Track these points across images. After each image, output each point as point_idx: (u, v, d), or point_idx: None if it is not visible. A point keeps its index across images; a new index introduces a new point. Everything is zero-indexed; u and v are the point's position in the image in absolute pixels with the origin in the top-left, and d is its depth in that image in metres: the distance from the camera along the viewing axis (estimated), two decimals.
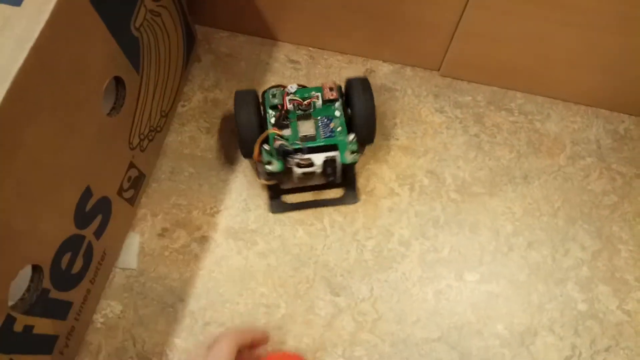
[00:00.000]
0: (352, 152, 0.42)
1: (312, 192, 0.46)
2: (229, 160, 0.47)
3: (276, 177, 0.43)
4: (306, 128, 0.42)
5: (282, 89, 0.44)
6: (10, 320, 0.30)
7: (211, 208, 0.45)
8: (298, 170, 0.41)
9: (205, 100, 0.50)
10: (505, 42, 0.45)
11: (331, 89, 0.43)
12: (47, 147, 0.30)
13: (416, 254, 0.44)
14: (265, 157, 0.41)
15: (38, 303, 0.33)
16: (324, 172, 0.42)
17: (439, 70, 0.50)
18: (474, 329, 0.41)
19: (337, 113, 0.43)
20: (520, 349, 0.41)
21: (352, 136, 0.42)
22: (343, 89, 0.45)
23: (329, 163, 0.42)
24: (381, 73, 0.50)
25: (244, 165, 0.47)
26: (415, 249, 0.44)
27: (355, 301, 0.42)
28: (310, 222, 0.45)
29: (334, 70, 0.51)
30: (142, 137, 0.42)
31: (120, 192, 0.40)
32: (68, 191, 0.33)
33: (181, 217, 0.45)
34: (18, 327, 0.31)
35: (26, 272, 0.32)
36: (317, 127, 0.43)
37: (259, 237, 0.44)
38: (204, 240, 0.44)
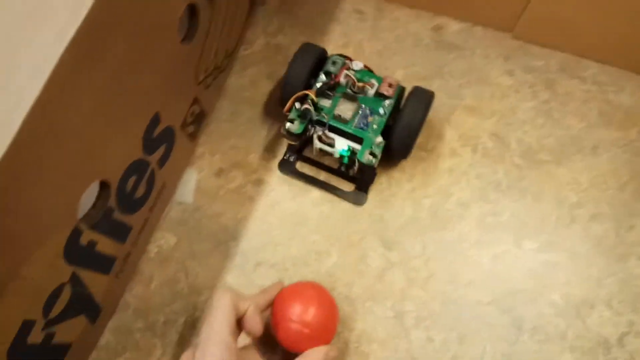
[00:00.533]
0: (371, 154, 0.40)
1: (325, 172, 0.44)
2: None
3: (293, 138, 0.41)
4: (345, 109, 0.41)
5: (346, 60, 0.43)
6: (77, 232, 0.31)
7: (268, 152, 0.45)
8: (317, 144, 0.41)
9: (267, 45, 0.49)
10: (587, 8, 0.43)
11: (390, 85, 0.41)
12: (126, 67, 0.29)
13: (474, 216, 0.42)
14: (292, 114, 0.40)
15: (103, 221, 0.33)
16: (341, 159, 0.41)
17: (511, 32, 0.48)
18: (529, 296, 0.40)
19: (382, 111, 0.41)
20: (575, 320, 0.39)
21: (380, 139, 0.40)
22: (407, 92, 0.42)
23: (349, 153, 0.41)
24: (450, 30, 0.49)
25: None
26: (473, 211, 0.43)
27: (408, 257, 0.41)
28: None
29: (401, 24, 0.49)
30: (207, 73, 0.41)
31: (183, 125, 0.40)
32: (140, 114, 0.33)
33: (238, 159, 0.45)
34: (83, 241, 0.32)
35: (93, 190, 0.33)
36: (355, 113, 0.41)
37: (315, 184, 0.44)
38: (259, 183, 0.44)
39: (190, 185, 0.43)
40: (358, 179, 0.43)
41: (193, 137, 0.43)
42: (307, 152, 0.45)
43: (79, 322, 0.35)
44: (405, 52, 0.48)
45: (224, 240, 0.42)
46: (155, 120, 0.35)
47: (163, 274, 0.42)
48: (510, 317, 0.39)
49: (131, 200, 0.36)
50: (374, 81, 0.42)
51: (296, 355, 0.34)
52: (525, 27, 0.47)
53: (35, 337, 0.31)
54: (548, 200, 0.43)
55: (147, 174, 0.36)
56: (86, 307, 0.35)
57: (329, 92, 0.41)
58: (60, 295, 0.31)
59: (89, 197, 0.33)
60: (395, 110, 0.42)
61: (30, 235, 0.27)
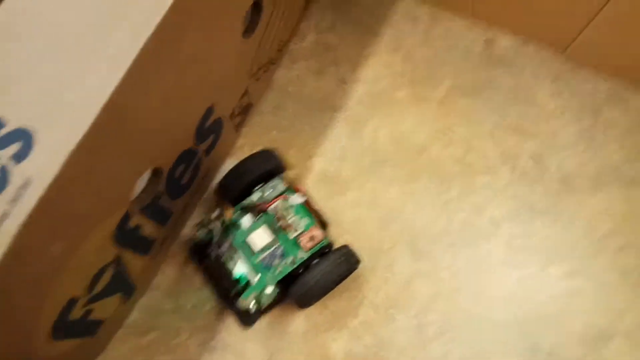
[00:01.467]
0: (256, 300, 0.37)
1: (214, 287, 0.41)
2: (332, 106, 0.47)
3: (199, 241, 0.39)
4: (259, 238, 0.37)
5: (292, 189, 0.39)
6: (127, 215, 0.32)
7: (308, 149, 0.45)
8: (219, 251, 0.37)
9: (317, 41, 0.49)
10: None
11: (312, 239, 0.37)
12: (192, 62, 0.30)
13: (505, 236, 0.43)
14: (204, 220, 0.38)
15: (150, 205, 0.34)
16: (231, 284, 0.37)
17: (564, 52, 0.48)
18: (550, 321, 0.41)
19: (292, 260, 0.37)
20: (592, 350, 0.40)
21: (270, 290, 0.37)
22: (332, 247, 0.39)
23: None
24: (502, 45, 0.48)
25: (347, 114, 0.46)
26: (504, 230, 0.43)
27: (436, 268, 0.42)
28: (405, 180, 0.44)
29: (453, 34, 0.49)
30: (260, 66, 0.41)
31: (232, 116, 0.40)
32: (197, 106, 0.34)
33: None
34: (132, 223, 0.33)
35: (145, 175, 0.34)
36: (267, 248, 0.37)
37: (351, 187, 0.44)
38: (297, 178, 0.45)
39: None
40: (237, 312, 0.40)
41: (238, 127, 0.43)
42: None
43: (115, 300, 0.36)
44: (455, 62, 0.47)
45: None
46: (209, 111, 0.35)
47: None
48: (529, 342, 0.40)
49: (177, 186, 0.36)
50: (300, 225, 0.38)
51: None
52: (579, 49, 0.47)
53: (76, 313, 0.32)
54: (579, 227, 0.43)
55: (195, 162, 0.37)
56: (123, 286, 0.36)
57: (253, 215, 0.38)
58: (104, 275, 0.33)
59: (141, 182, 0.33)
60: (311, 260, 0.38)
61: (92, 216, 0.28)
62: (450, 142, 0.45)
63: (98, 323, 0.36)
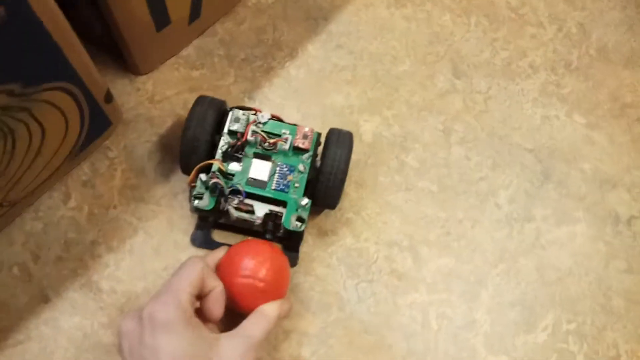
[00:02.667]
0: (299, 219, 0.35)
1: (245, 235, 0.39)
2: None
3: (204, 214, 0.37)
4: (259, 170, 0.36)
5: (252, 112, 0.37)
6: None
7: None
8: (234, 213, 0.35)
9: (76, 209, 0.38)
10: None
11: (305, 137, 0.36)
12: None
13: (540, 81, 0.46)
14: (198, 188, 0.35)
15: None
16: (263, 225, 0.36)
17: None
18: (564, 156, 0.44)
19: (302, 167, 0.36)
20: (597, 190, 0.43)
21: (305, 201, 0.35)
22: (322, 137, 0.38)
23: (271, 217, 0.36)
24: None
25: None
26: (541, 76, 0.46)
27: (471, 89, 0.45)
28: (458, 13, 0.47)
29: None
30: None
31: None
32: None
33: None
34: None
35: None
36: (272, 173, 0.36)
37: (410, 3, 0.47)
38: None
39: None
40: (284, 239, 0.38)
41: None
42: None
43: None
44: None
45: (315, 17, 0.45)
46: None
47: (255, 21, 0.45)
48: (542, 166, 0.43)
49: None
50: (286, 133, 0.36)
51: (245, 316, 0.31)
52: None
53: None
54: (606, 92, 0.46)
55: None
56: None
57: (237, 154, 0.36)
58: None
59: None
60: (315, 159, 0.37)
61: None
62: None
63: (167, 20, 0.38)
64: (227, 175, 0.36)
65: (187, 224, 0.39)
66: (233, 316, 0.31)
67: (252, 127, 0.36)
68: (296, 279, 0.38)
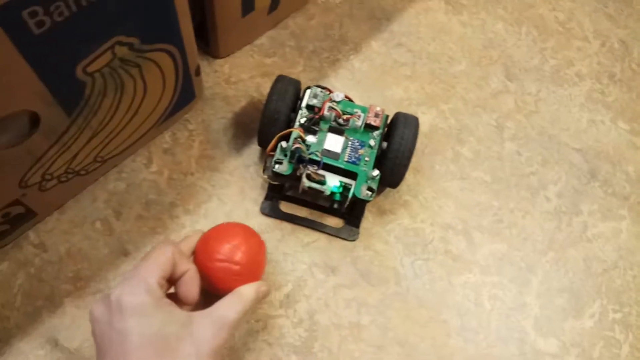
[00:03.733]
0: (369, 189, 0.38)
1: (311, 209, 0.42)
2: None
3: (280, 179, 0.39)
4: (333, 143, 0.38)
5: (327, 92, 0.40)
6: None
7: None
8: (306, 183, 0.37)
9: (157, 173, 0.41)
10: None
11: (377, 115, 0.39)
12: None
13: (586, 88, 0.49)
14: (278, 155, 0.37)
15: None
16: (331, 196, 0.38)
17: None
18: (609, 158, 0.46)
19: (372, 142, 0.39)
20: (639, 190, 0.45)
21: (376, 172, 0.38)
22: (389, 120, 0.41)
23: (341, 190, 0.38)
24: None
25: None
26: (587, 84, 0.49)
27: (522, 91, 0.48)
28: (510, 23, 0.51)
29: None
30: (48, 177, 0.35)
31: None
32: None
33: None
34: None
35: None
36: (345, 147, 0.38)
37: (466, 11, 0.51)
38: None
39: None
40: (346, 214, 0.41)
41: (5, 235, 0.37)
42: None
43: None
44: None
45: (379, 17, 0.49)
46: None
47: (323, 18, 0.48)
48: (588, 166, 0.45)
49: None
50: (359, 112, 0.39)
51: (221, 297, 0.31)
52: None
53: None
54: None
55: None
56: None
57: (313, 127, 0.38)
58: None
59: None
60: (382, 139, 0.40)
61: None
62: (556, 7, 0.52)
63: None
64: (305, 145, 0.38)
65: (257, 194, 0.41)
66: (212, 300, 0.31)
67: (328, 104, 0.39)
68: (356, 252, 0.40)
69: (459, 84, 0.47)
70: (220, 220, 0.39)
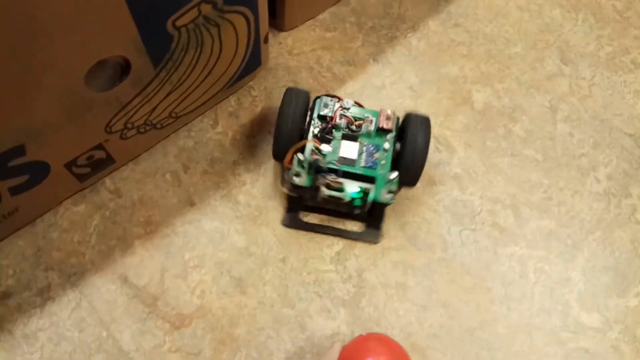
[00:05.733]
0: (389, 192, 0.38)
1: (331, 215, 0.42)
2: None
3: (300, 191, 0.40)
4: (348, 150, 0.39)
5: (337, 100, 0.40)
6: None
7: None
8: (325, 191, 0.38)
9: (222, 133, 0.44)
10: None
11: (388, 118, 0.39)
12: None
13: None
14: (296, 167, 0.38)
15: None
16: (351, 202, 0.39)
17: None
18: None
19: (387, 145, 0.39)
20: None
21: (394, 174, 0.38)
22: (400, 122, 0.41)
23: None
24: None
25: None
26: None
27: (577, 75, 0.48)
28: (567, 9, 0.51)
29: None
30: (129, 126, 0.38)
31: (71, 165, 0.37)
32: None
33: None
34: None
35: None
36: (360, 153, 0.39)
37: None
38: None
39: None
40: (367, 218, 0.42)
41: (85, 178, 0.40)
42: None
43: None
44: None
45: None
46: (18, 150, 0.32)
47: None
48: None
49: None
50: (370, 117, 0.40)
51: None
52: None
53: None
54: None
55: None
56: None
57: (327, 136, 0.39)
58: None
59: None
60: (396, 141, 0.40)
61: None
62: None
63: None
64: (321, 155, 0.38)
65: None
66: None
67: (340, 111, 0.39)
68: (405, 218, 0.42)
69: (514, 65, 0.48)
70: (278, 180, 0.41)
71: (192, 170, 0.42)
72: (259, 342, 0.37)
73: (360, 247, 0.41)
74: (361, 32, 0.49)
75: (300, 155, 0.38)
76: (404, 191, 0.42)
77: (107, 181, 0.41)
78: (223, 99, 0.44)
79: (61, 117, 0.32)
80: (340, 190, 0.38)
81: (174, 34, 0.32)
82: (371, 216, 0.41)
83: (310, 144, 0.38)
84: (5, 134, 0.30)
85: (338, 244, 0.40)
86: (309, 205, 0.41)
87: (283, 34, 0.48)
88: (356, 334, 0.38)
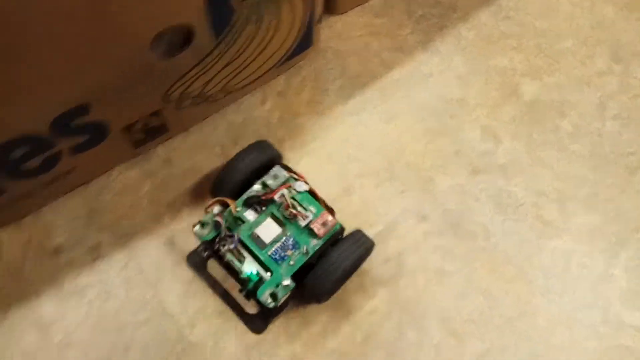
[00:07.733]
0: (272, 296, 0.33)
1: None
2: None
3: (202, 244, 0.36)
4: (267, 231, 0.35)
5: (292, 177, 0.37)
6: None
7: None
8: (227, 255, 0.35)
9: (270, 111, 0.45)
10: None
11: (324, 224, 0.35)
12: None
13: None
14: (206, 217, 0.35)
15: None
16: (246, 281, 0.34)
17: None
18: None
19: (306, 249, 0.35)
20: None
21: (287, 282, 0.34)
22: (341, 234, 0.37)
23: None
24: None
25: None
26: None
27: (628, 74, 0.47)
28: (620, 7, 0.50)
29: None
30: (185, 96, 0.38)
31: (127, 130, 0.38)
32: (62, 94, 0.32)
33: None
34: None
35: None
36: (276, 240, 0.35)
37: None
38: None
39: None
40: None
41: (138, 145, 0.41)
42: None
43: None
44: None
45: None
46: (82, 109, 0.33)
47: None
48: None
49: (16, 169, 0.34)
50: (310, 212, 0.36)
51: None
52: None
53: None
54: None
55: (48, 154, 0.35)
56: None
57: (258, 207, 0.36)
58: None
59: None
60: (325, 249, 0.36)
61: None
62: None
63: None
64: (237, 220, 0.36)
65: (356, 141, 0.44)
66: None
67: (284, 191, 0.36)
68: (447, 205, 0.42)
69: (564, 60, 0.48)
70: (321, 160, 0.42)
71: (240, 145, 0.42)
72: None
73: (400, 230, 0.41)
74: (411, 20, 0.49)
75: (216, 209, 0.35)
76: (442, 178, 0.42)
77: (159, 150, 0.42)
78: (273, 78, 0.45)
79: (125, 80, 0.33)
80: (240, 261, 0.35)
81: (236, 8, 0.33)
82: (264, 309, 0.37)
83: (233, 203, 0.35)
84: (75, 91, 0.32)
85: (379, 224, 0.41)
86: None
87: (333, 18, 0.49)
88: (394, 314, 0.38)
